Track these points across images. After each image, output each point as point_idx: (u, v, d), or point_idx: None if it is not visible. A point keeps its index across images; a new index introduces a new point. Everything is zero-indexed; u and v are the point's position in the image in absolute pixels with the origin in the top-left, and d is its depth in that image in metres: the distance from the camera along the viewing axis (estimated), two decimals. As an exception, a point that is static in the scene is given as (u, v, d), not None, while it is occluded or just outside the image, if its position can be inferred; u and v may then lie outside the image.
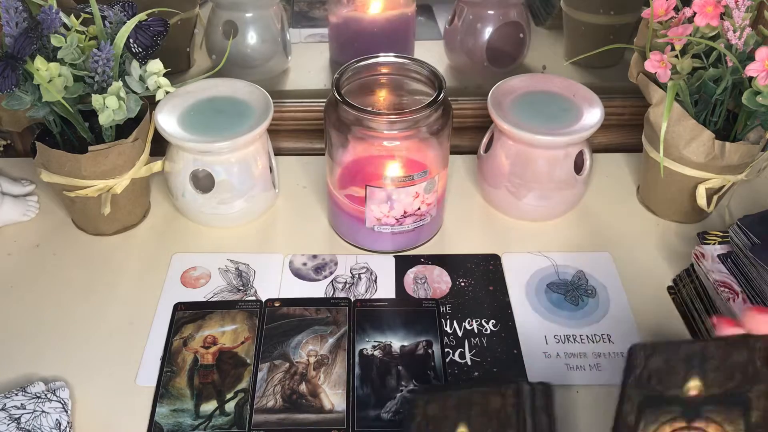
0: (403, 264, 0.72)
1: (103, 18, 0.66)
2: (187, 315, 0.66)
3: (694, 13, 0.64)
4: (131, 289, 0.69)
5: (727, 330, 0.42)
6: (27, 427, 0.54)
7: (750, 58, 0.63)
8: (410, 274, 0.71)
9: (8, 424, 0.53)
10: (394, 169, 0.67)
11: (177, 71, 0.92)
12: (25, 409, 0.55)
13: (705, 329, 0.64)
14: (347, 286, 0.70)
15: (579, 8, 0.94)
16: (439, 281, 0.70)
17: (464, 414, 0.40)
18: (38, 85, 0.62)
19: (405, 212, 0.69)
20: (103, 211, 0.70)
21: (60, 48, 0.63)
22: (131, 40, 0.65)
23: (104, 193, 0.70)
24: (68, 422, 0.56)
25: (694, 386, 0.39)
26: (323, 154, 0.72)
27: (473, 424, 0.40)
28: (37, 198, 0.78)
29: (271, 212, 0.79)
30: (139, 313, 0.67)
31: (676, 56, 0.66)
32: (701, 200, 0.72)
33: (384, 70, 0.71)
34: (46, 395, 0.56)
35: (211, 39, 0.91)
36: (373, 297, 0.69)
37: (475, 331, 0.65)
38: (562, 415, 0.56)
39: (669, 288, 0.70)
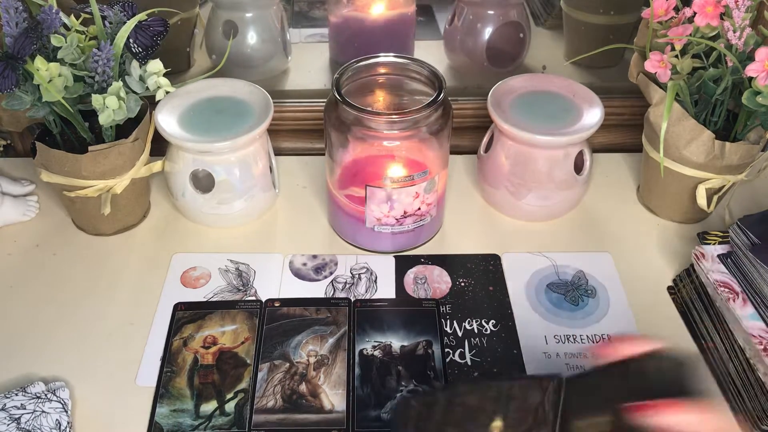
0: (403, 264, 0.72)
1: (103, 18, 0.66)
2: (187, 315, 0.66)
3: (694, 13, 0.64)
4: (131, 289, 0.69)
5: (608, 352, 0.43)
6: (27, 427, 0.54)
7: (750, 58, 0.63)
8: (410, 274, 0.71)
9: (8, 424, 0.54)
10: (394, 169, 0.67)
11: (177, 71, 0.92)
12: (25, 409, 0.55)
13: (705, 329, 0.64)
14: (347, 286, 0.70)
15: (579, 8, 0.94)
16: (439, 281, 0.70)
17: (502, 407, 0.40)
18: (38, 85, 0.62)
19: (405, 212, 0.69)
20: (103, 211, 0.70)
21: (60, 48, 0.63)
22: (131, 40, 0.65)
23: (104, 193, 0.70)
24: (68, 422, 0.56)
25: (496, 426, 0.40)
26: (323, 154, 0.72)
27: (509, 419, 0.40)
28: (37, 198, 0.78)
29: (271, 212, 0.79)
30: (139, 313, 0.67)
31: (676, 56, 0.66)
32: (701, 200, 0.72)
33: (384, 70, 0.71)
34: (46, 395, 0.56)
35: (211, 39, 0.91)
36: (373, 297, 0.69)
37: (475, 331, 0.65)
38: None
39: (669, 288, 0.70)
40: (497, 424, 0.40)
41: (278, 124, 0.85)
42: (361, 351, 0.63)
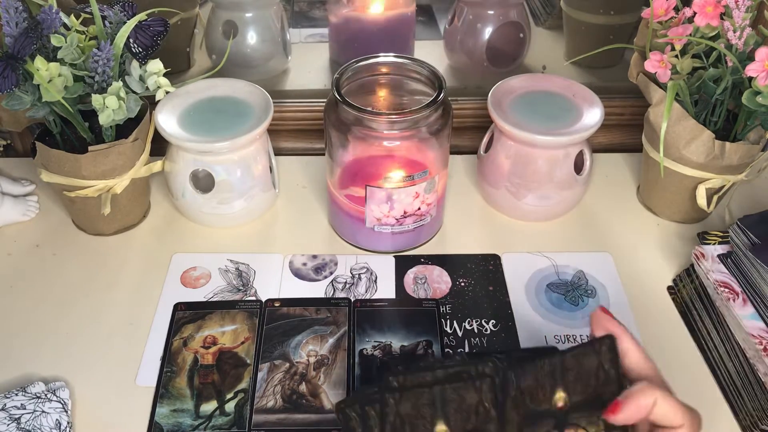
0: (403, 264, 0.72)
1: (103, 18, 0.66)
2: (187, 315, 0.66)
3: (694, 13, 0.64)
4: (131, 289, 0.69)
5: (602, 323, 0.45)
6: (27, 427, 0.54)
7: (750, 58, 0.63)
8: (410, 274, 0.71)
9: (8, 424, 0.54)
10: (394, 169, 0.67)
11: (177, 71, 0.92)
12: (25, 409, 0.55)
13: (705, 329, 0.64)
14: (347, 286, 0.70)
15: (579, 8, 0.94)
16: (439, 281, 0.70)
17: (440, 411, 0.41)
18: (38, 85, 0.62)
19: (405, 212, 0.69)
20: (103, 211, 0.70)
21: (60, 48, 0.63)
22: (131, 40, 0.65)
23: (104, 193, 0.70)
24: (68, 422, 0.56)
25: (560, 398, 0.41)
26: (323, 154, 0.72)
27: (452, 421, 0.40)
28: (37, 198, 0.78)
29: (271, 212, 0.79)
30: (139, 313, 0.67)
31: (676, 56, 0.66)
32: (701, 200, 0.72)
33: (384, 70, 0.71)
34: (46, 395, 0.56)
35: (211, 39, 0.91)
36: (373, 297, 0.69)
37: (475, 331, 0.65)
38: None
39: (669, 288, 0.70)
40: (441, 428, 0.40)
41: (278, 124, 0.85)
42: (361, 351, 0.63)
